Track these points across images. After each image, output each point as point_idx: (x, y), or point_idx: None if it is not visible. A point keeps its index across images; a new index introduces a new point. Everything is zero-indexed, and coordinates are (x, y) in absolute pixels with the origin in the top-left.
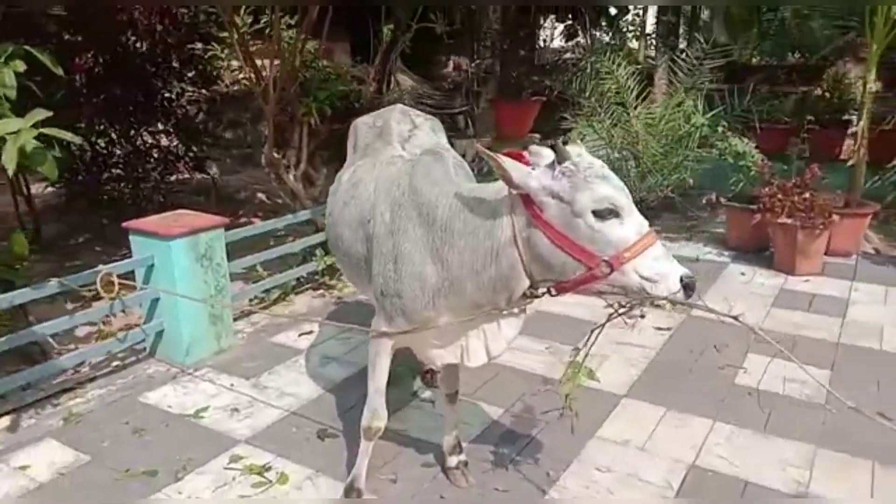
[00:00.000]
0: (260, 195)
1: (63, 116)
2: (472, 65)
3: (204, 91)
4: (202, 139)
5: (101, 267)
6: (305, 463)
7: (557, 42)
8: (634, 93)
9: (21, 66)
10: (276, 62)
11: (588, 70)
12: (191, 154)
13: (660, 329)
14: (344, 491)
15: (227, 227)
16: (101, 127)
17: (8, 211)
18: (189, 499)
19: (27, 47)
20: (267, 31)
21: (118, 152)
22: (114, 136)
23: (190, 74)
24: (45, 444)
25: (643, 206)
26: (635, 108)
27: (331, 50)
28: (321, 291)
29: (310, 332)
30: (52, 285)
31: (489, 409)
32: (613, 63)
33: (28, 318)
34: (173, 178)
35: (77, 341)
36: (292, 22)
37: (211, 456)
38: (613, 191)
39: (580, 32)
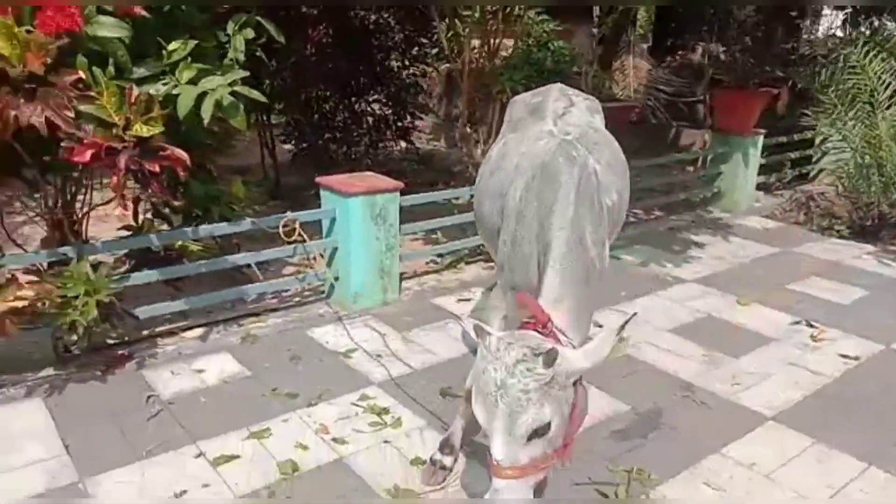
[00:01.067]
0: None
1: (294, 80)
2: (719, 51)
3: (424, 66)
4: (410, 110)
5: (288, 214)
6: (421, 415)
7: (828, 30)
8: (888, 91)
9: (250, 34)
10: (475, 41)
11: (840, 63)
12: (399, 124)
13: (846, 357)
14: (439, 445)
15: (406, 193)
16: (327, 93)
17: (256, 163)
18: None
19: (259, 18)
20: (507, 10)
21: (338, 118)
22: (335, 102)
23: (414, 51)
24: (222, 356)
25: (887, 222)
26: (887, 108)
27: (572, 31)
28: (492, 263)
29: (468, 300)
30: (246, 223)
31: (614, 403)
32: (865, 57)
33: (237, 249)
34: (381, 145)
35: (273, 276)
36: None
37: (345, 391)
38: (478, 409)
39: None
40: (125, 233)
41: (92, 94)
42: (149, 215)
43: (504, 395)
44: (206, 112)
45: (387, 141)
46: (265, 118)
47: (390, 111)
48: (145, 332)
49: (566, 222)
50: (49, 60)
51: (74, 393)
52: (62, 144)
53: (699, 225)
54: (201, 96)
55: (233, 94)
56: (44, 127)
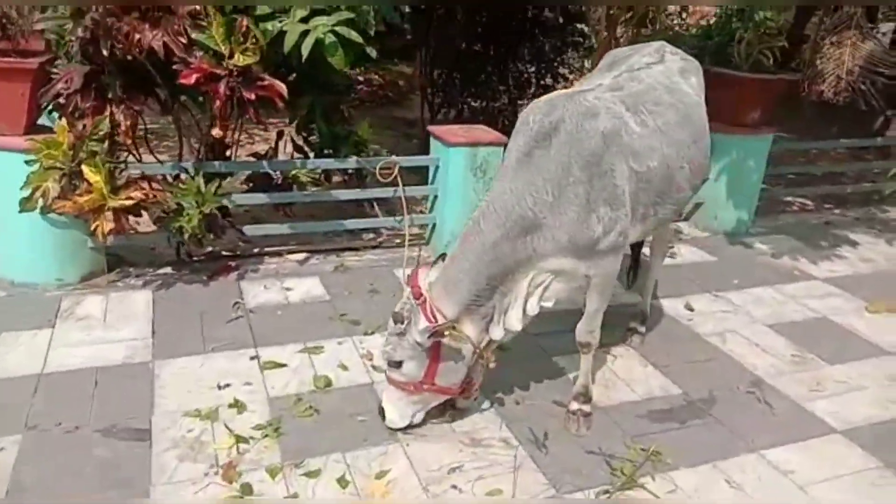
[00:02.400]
0: None
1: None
2: None
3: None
4: (556, 68)
5: (392, 157)
6: None
7: None
8: None
9: None
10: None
11: None
12: (542, 82)
13: None
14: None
15: None
16: (475, 47)
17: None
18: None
19: None
20: None
21: (482, 74)
22: (482, 57)
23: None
24: (312, 279)
25: None
26: None
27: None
28: None
29: None
30: (351, 161)
31: (666, 385)
32: None
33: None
34: (521, 103)
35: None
36: None
37: None
38: None
39: None
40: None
41: (204, 24)
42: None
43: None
44: (306, 48)
45: (528, 99)
46: (428, 72)
47: (534, 69)
48: (255, 250)
49: (494, 191)
50: None
51: (179, 290)
52: (174, 67)
53: (864, 223)
54: (305, 34)
55: (336, 34)
56: (161, 50)
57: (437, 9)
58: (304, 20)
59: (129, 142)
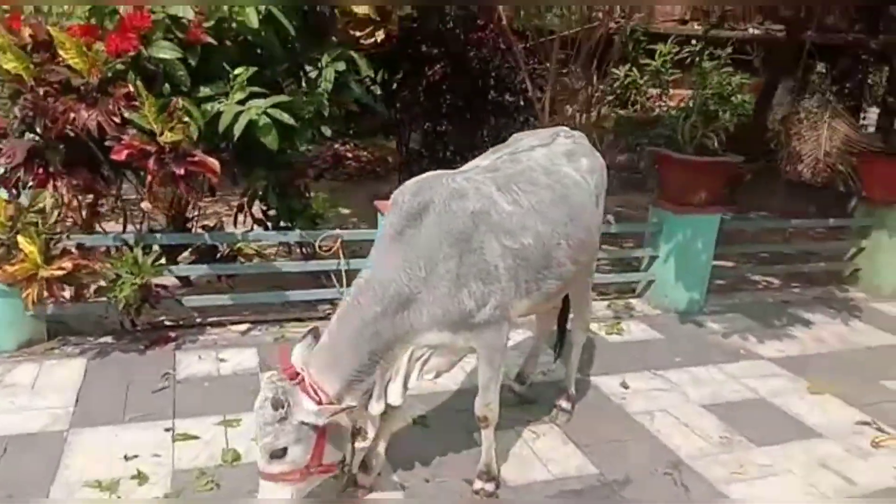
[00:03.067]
0: None
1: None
2: None
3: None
4: None
5: (335, 231)
6: None
7: None
8: None
9: (341, 66)
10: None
11: None
12: None
13: None
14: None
15: None
16: (441, 128)
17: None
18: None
19: (352, 52)
20: (688, 61)
21: (447, 153)
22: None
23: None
24: (249, 351)
25: None
26: None
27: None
28: None
29: None
30: (294, 235)
31: (584, 464)
32: None
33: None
34: None
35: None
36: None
37: None
38: None
39: None
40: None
41: (137, 104)
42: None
43: (256, 424)
44: (239, 128)
45: None
46: (404, 148)
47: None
48: (199, 320)
49: (371, 268)
50: (109, 75)
51: (114, 359)
52: (105, 144)
53: (822, 302)
54: (239, 115)
55: (271, 116)
56: (95, 129)
57: (402, 93)
58: (241, 102)
59: (70, 215)
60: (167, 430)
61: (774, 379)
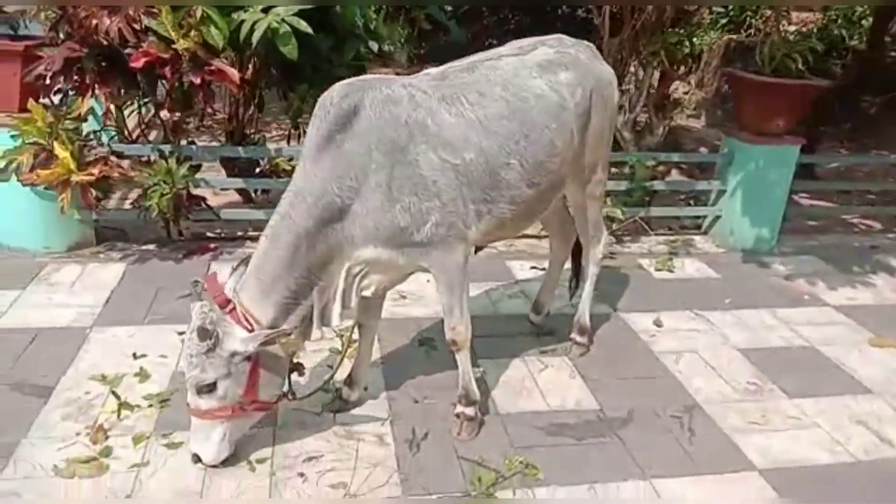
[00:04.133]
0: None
1: None
2: None
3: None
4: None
5: None
6: None
7: None
8: None
9: None
10: None
11: None
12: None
13: None
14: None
15: None
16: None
17: None
18: None
19: None
20: None
21: None
22: None
23: None
24: None
25: None
26: None
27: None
28: None
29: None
30: None
31: (586, 398)
32: None
33: None
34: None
35: None
36: None
37: None
38: None
39: None
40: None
41: (156, 11)
42: None
43: (184, 357)
44: (256, 36)
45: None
46: None
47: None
48: (239, 233)
49: (298, 179)
50: None
51: (151, 266)
52: (126, 52)
53: None
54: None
55: (290, 24)
56: (117, 35)
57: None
58: (266, 10)
59: (107, 123)
60: (180, 333)
61: (833, 327)
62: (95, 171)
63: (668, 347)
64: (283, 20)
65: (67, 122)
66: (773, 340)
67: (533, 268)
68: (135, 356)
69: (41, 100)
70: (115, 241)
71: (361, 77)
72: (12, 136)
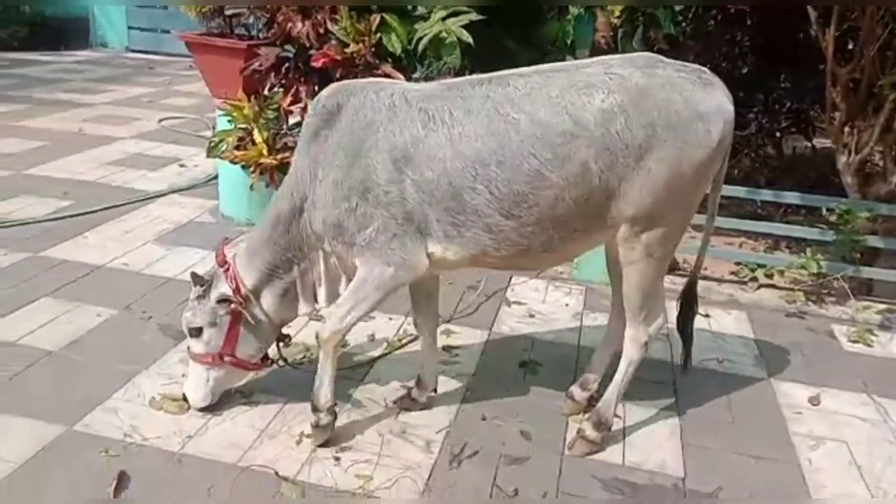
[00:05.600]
0: None
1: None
2: None
3: None
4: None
5: None
6: None
7: None
8: None
9: None
10: None
11: None
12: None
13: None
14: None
15: None
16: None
17: None
18: None
19: None
20: None
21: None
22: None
23: None
24: None
25: None
26: None
27: None
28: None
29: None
30: None
31: (674, 461)
32: None
33: None
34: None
35: None
36: None
37: None
38: None
39: None
40: None
41: (337, 18)
42: None
43: None
44: (422, 44)
45: (780, 129)
46: None
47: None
48: None
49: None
50: None
51: None
52: (310, 52)
53: None
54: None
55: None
56: (306, 38)
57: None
58: (445, 20)
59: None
60: None
61: None
62: (281, 157)
63: (811, 430)
64: (449, 30)
65: (269, 111)
66: None
67: None
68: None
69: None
70: None
71: (358, 80)
72: (228, 121)
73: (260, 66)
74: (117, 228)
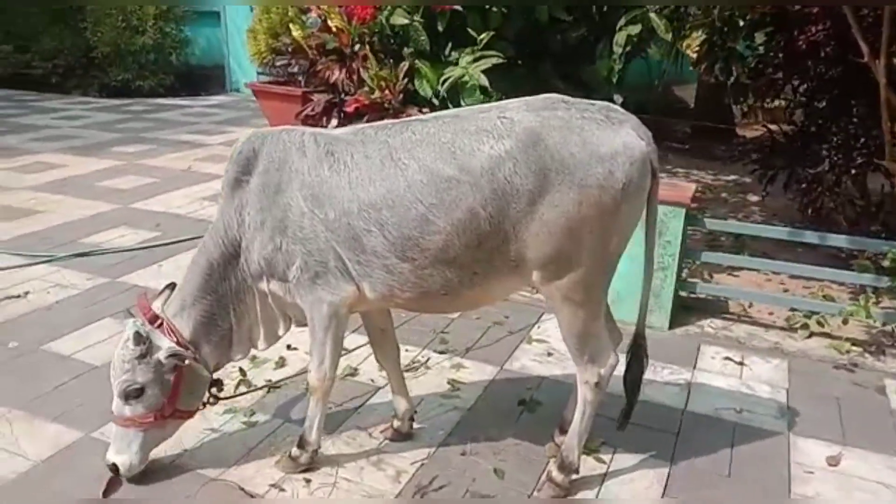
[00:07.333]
0: None
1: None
2: None
3: None
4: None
5: None
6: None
7: None
8: None
9: (636, 29)
10: None
11: None
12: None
13: None
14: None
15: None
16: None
17: None
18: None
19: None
20: None
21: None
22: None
23: None
24: None
25: None
26: None
27: None
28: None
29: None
30: None
31: None
32: None
33: None
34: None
35: None
36: None
37: None
38: None
39: None
40: None
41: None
42: None
43: (114, 366)
44: (443, 87)
45: (854, 164)
46: None
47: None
48: None
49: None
50: (355, 40)
51: None
52: (343, 98)
53: None
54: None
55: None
56: (340, 85)
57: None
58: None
59: None
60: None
61: None
62: None
63: (819, 493)
64: (470, 74)
65: None
66: None
67: (727, 359)
68: (288, 347)
69: None
70: None
71: (274, 127)
72: None
73: (312, 110)
74: (188, 259)
